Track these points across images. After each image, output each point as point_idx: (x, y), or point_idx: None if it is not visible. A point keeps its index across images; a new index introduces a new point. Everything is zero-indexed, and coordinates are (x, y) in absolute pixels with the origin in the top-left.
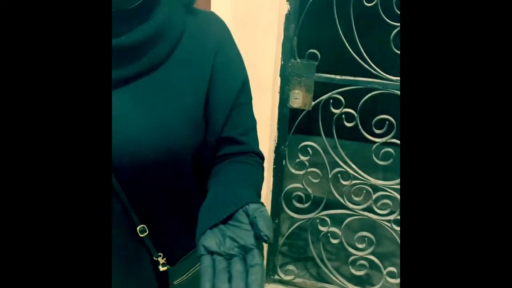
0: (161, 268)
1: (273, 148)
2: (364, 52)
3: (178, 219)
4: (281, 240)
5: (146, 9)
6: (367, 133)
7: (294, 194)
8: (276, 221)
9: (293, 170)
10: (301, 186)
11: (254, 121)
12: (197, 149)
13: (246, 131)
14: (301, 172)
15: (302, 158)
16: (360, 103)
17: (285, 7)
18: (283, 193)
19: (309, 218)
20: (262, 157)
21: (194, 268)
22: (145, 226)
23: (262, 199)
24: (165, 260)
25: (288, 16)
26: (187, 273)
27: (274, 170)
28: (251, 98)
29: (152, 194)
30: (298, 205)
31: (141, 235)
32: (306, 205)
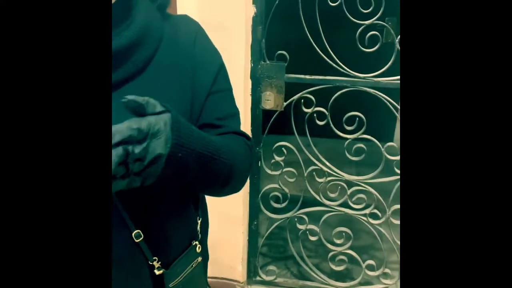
0: (157, 272)
1: None
2: (332, 51)
3: (171, 222)
4: (260, 241)
5: (125, 16)
6: (338, 130)
7: (271, 194)
8: (255, 223)
9: (269, 171)
10: (278, 186)
11: (235, 109)
12: None
13: (224, 117)
14: (277, 172)
15: (277, 158)
16: (330, 101)
17: (252, 10)
18: (260, 194)
19: (287, 217)
20: (247, 137)
21: (187, 269)
22: (140, 231)
23: (240, 201)
24: (160, 264)
25: (255, 19)
26: (181, 275)
27: (250, 172)
28: (230, 87)
29: (146, 199)
30: (275, 205)
31: (136, 240)
32: (284, 204)
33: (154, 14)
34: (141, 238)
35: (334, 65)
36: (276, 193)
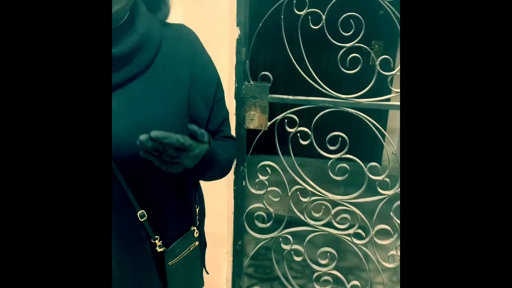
0: (158, 250)
1: (232, 170)
2: (314, 72)
3: (172, 205)
4: (245, 262)
5: (129, 23)
6: (322, 150)
7: (256, 214)
8: (240, 242)
9: (253, 190)
10: (263, 206)
11: (227, 112)
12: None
13: (223, 122)
14: (262, 192)
15: (262, 177)
16: (314, 121)
17: (236, 32)
18: (245, 214)
19: (272, 237)
20: (234, 139)
21: (186, 249)
22: (144, 211)
23: (225, 221)
24: (161, 243)
25: (239, 41)
26: (180, 255)
27: (235, 191)
28: (223, 93)
29: (150, 182)
30: (260, 225)
31: (141, 220)
32: (268, 224)
33: (154, 22)
34: (145, 218)
35: (316, 86)
36: (261, 212)
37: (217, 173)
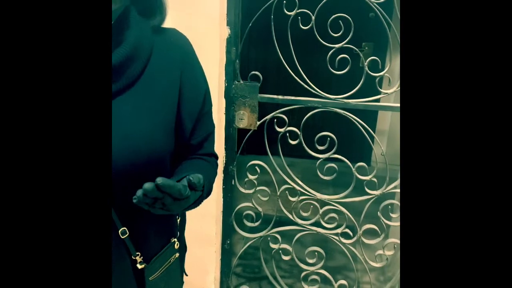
0: (139, 266)
1: (222, 169)
2: (303, 72)
3: (154, 221)
4: (234, 261)
5: (118, 33)
6: (311, 150)
7: (244, 213)
8: (228, 242)
9: (242, 189)
10: (251, 205)
11: (213, 126)
12: (171, 153)
13: (207, 137)
14: (251, 191)
15: (251, 177)
16: (302, 121)
17: (226, 32)
18: (233, 213)
19: (261, 236)
20: (217, 157)
21: (166, 262)
22: (126, 228)
23: (214, 220)
24: (142, 259)
25: (229, 40)
26: (160, 269)
27: (224, 190)
28: (211, 105)
29: (131, 201)
30: (249, 224)
31: (122, 237)
32: (257, 223)
33: (145, 29)
34: (126, 235)
35: (305, 86)
36: (249, 211)
37: (196, 206)
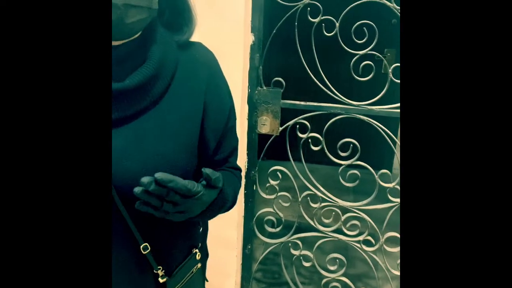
0: (161, 280)
1: (244, 174)
2: (327, 79)
3: (174, 235)
4: (254, 266)
5: (142, 48)
6: (333, 156)
7: (266, 218)
8: (249, 247)
9: (263, 195)
10: (272, 211)
11: (237, 141)
12: (193, 172)
13: (231, 152)
14: (272, 197)
15: (272, 182)
16: (325, 127)
17: (250, 38)
18: (255, 218)
19: (282, 242)
20: (241, 170)
21: (188, 275)
22: (147, 244)
23: (235, 224)
24: (163, 272)
25: (253, 47)
26: (182, 281)
27: (245, 195)
28: (235, 120)
29: (152, 216)
30: (270, 229)
31: (144, 252)
32: (278, 229)
33: (170, 45)
34: (148, 250)
35: (328, 92)
36: (271, 217)
37: (221, 212)
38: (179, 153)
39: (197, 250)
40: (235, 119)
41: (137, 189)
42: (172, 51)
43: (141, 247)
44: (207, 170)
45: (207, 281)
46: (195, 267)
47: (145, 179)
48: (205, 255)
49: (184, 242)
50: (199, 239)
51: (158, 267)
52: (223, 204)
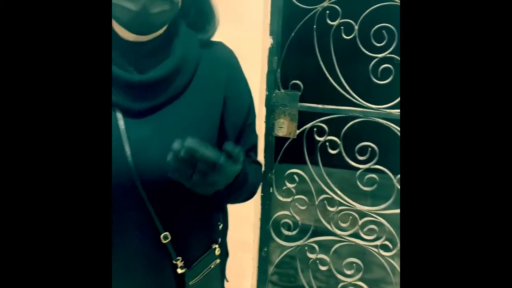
0: (179, 271)
1: None
2: (345, 82)
3: (195, 227)
4: (270, 269)
5: (167, 45)
6: (351, 160)
7: (282, 221)
8: (265, 249)
9: (280, 198)
10: (289, 214)
11: (256, 138)
12: None
13: (250, 149)
14: (288, 199)
15: (289, 185)
16: (343, 130)
17: (269, 41)
18: (271, 221)
19: (298, 245)
20: (261, 165)
21: (207, 268)
22: (168, 233)
23: (252, 227)
24: (183, 263)
25: (271, 50)
26: (200, 274)
27: (262, 197)
28: (255, 117)
29: (174, 206)
30: (286, 232)
31: (164, 241)
32: (294, 232)
33: (193, 42)
34: (168, 240)
35: (347, 95)
36: (287, 220)
37: (244, 196)
38: None
39: (216, 246)
40: (255, 116)
41: (169, 156)
42: (195, 49)
43: (162, 236)
44: (227, 146)
45: (227, 281)
46: (213, 263)
47: (176, 145)
48: (225, 253)
49: (204, 235)
50: (219, 235)
51: (177, 257)
52: (245, 183)
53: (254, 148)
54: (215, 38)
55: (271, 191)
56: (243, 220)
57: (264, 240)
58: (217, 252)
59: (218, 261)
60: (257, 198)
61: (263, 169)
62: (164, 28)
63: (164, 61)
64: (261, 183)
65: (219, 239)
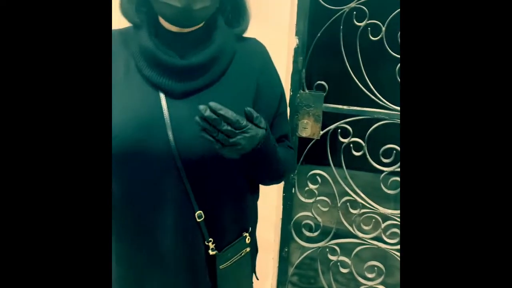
0: (211, 252)
1: None
2: (371, 83)
3: (229, 210)
4: (291, 270)
5: (206, 36)
6: (375, 162)
7: (303, 222)
8: (286, 250)
9: (302, 199)
10: (311, 215)
11: (289, 127)
12: None
13: (284, 135)
14: (311, 201)
15: (311, 186)
16: (368, 132)
17: (294, 41)
18: (292, 222)
19: (319, 247)
20: (294, 151)
21: (237, 255)
22: (201, 212)
23: (273, 226)
24: (214, 245)
25: (296, 50)
26: (231, 259)
27: (284, 198)
28: (286, 107)
29: (209, 185)
30: (307, 233)
31: (198, 220)
32: (316, 233)
33: (230, 36)
34: (202, 219)
35: (372, 97)
36: (308, 221)
37: (274, 173)
38: None
39: (247, 234)
40: (286, 106)
41: (197, 118)
42: (231, 41)
43: (196, 214)
44: (249, 109)
45: (257, 279)
46: (244, 250)
47: (201, 106)
48: (254, 246)
49: (235, 221)
50: (250, 223)
51: (210, 239)
52: (273, 153)
53: (287, 136)
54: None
55: (293, 191)
56: (264, 219)
57: (285, 241)
58: (247, 240)
59: (248, 249)
60: (278, 198)
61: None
62: (204, 22)
63: (204, 50)
64: (284, 184)
65: (249, 228)
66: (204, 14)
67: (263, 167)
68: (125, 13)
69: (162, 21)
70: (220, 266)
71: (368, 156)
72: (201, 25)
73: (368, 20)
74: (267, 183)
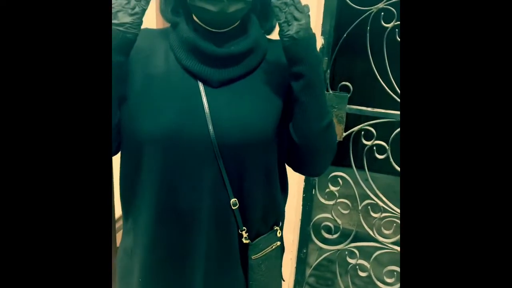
0: (244, 241)
1: (303, 177)
2: (397, 86)
3: (262, 202)
4: (308, 271)
5: (244, 29)
6: (398, 165)
7: (322, 224)
8: (304, 251)
9: (322, 200)
10: (330, 217)
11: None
12: (278, 142)
13: None
14: (331, 202)
15: (332, 188)
16: (392, 135)
17: (320, 41)
18: (311, 223)
19: (338, 250)
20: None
21: (269, 247)
22: (236, 200)
23: (292, 227)
24: (247, 235)
25: (322, 50)
26: (263, 251)
27: (304, 199)
28: None
29: (245, 173)
30: (326, 235)
31: (233, 207)
32: (335, 236)
33: (262, 35)
34: (236, 206)
35: (398, 99)
36: (328, 223)
37: (324, 114)
38: (269, 118)
39: (278, 228)
40: None
41: None
42: (264, 37)
43: (231, 201)
44: None
45: (283, 280)
46: (275, 244)
47: None
48: (282, 245)
49: (268, 213)
50: (281, 218)
51: (243, 227)
52: (320, 78)
53: None
54: (271, 37)
55: (313, 192)
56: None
57: (304, 242)
58: (278, 234)
59: (278, 243)
60: (298, 199)
61: None
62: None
63: (240, 42)
64: (304, 185)
65: (280, 223)
66: (238, 15)
67: (313, 94)
68: (162, 14)
69: (198, 21)
70: (252, 256)
71: (391, 160)
72: (236, 24)
73: (396, 22)
74: (315, 155)
